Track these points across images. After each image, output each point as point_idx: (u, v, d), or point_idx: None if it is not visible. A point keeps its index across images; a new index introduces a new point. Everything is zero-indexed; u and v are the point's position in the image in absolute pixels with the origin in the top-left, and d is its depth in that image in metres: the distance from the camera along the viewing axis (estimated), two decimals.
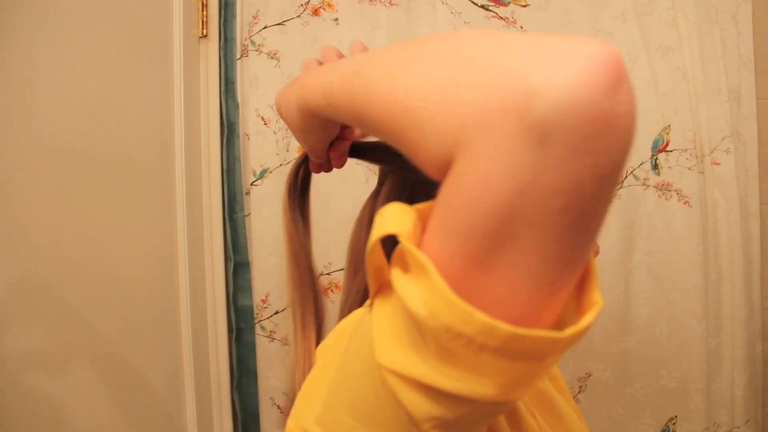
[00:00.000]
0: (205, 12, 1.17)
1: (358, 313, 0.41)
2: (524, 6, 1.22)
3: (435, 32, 0.29)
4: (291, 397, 0.50)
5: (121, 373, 0.86)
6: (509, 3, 1.22)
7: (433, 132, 0.25)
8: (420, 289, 0.26)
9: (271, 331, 1.19)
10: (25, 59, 0.69)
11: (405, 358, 0.28)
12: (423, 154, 0.26)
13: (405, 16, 1.21)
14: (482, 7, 1.22)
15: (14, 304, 0.66)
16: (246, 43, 1.19)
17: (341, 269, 1.18)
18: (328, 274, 1.18)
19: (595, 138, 0.21)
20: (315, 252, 0.55)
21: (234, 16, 1.19)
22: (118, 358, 0.85)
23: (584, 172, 0.22)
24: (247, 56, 1.19)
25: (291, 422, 0.38)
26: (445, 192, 0.25)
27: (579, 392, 1.22)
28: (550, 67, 0.22)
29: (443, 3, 1.21)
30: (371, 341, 0.30)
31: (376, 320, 0.30)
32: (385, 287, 0.31)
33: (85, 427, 0.77)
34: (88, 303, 0.79)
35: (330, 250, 1.17)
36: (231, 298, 1.19)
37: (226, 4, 1.19)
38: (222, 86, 1.18)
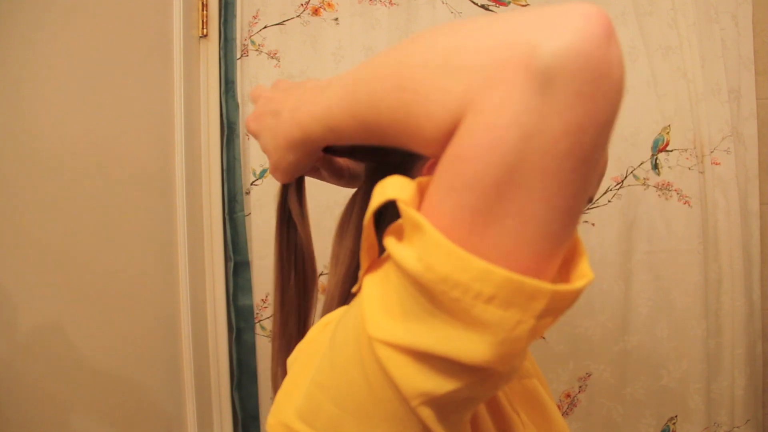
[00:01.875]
0: (205, 12, 1.17)
1: (341, 309, 0.41)
2: (524, 6, 1.22)
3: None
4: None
5: (120, 373, 0.86)
6: (509, 2, 1.22)
7: (439, 101, 0.26)
8: (415, 247, 0.27)
9: (271, 331, 1.19)
10: (25, 59, 0.69)
11: (396, 326, 0.28)
12: (429, 129, 0.27)
13: (405, 15, 1.21)
14: (482, 6, 1.22)
15: (16, 295, 0.66)
16: (246, 42, 1.19)
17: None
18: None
19: (595, 83, 0.23)
20: (315, 251, 0.56)
21: (234, 16, 1.19)
22: (118, 358, 0.85)
23: (586, 116, 0.24)
24: (247, 56, 1.19)
25: (271, 419, 0.37)
26: (451, 150, 0.26)
27: (579, 392, 1.22)
28: (550, 23, 0.24)
29: (443, 3, 1.21)
30: (361, 319, 0.30)
31: (367, 296, 0.31)
32: (374, 265, 0.32)
33: (85, 427, 0.77)
34: (88, 302, 0.79)
35: (330, 250, 1.17)
36: (231, 297, 1.19)
37: (226, 4, 1.19)
38: (222, 86, 1.18)
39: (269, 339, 1.19)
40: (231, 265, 1.18)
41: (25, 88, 0.69)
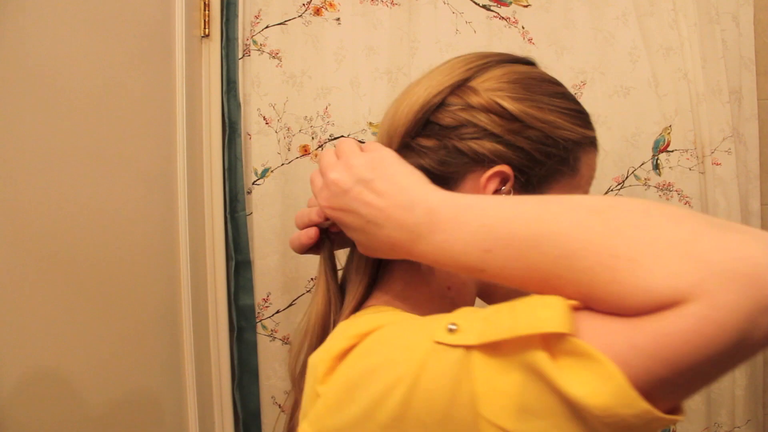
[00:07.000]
0: (207, 12, 1.18)
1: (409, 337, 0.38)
2: (526, 6, 1.22)
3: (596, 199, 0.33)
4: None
5: (121, 372, 0.86)
6: (510, 3, 1.22)
7: (663, 277, 0.30)
8: (593, 380, 0.29)
9: (272, 330, 1.19)
10: (26, 58, 0.69)
11: (509, 416, 0.31)
12: (635, 295, 0.30)
13: (407, 15, 1.21)
14: (484, 7, 1.22)
15: (18, 292, 0.66)
16: (248, 42, 1.20)
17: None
18: None
19: None
20: (314, 256, 0.57)
21: (236, 15, 1.19)
22: (119, 357, 0.86)
23: None
24: (249, 56, 1.19)
25: (309, 427, 0.38)
26: (658, 323, 0.29)
27: None
28: None
29: (445, 3, 1.21)
30: (470, 393, 0.32)
31: (486, 376, 0.32)
32: (499, 348, 0.33)
33: (85, 427, 0.77)
34: (90, 302, 0.79)
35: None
36: (232, 297, 1.19)
37: (228, 4, 1.20)
38: (224, 86, 1.19)
39: (270, 338, 1.19)
40: (232, 264, 1.18)
41: (25, 87, 0.69)
